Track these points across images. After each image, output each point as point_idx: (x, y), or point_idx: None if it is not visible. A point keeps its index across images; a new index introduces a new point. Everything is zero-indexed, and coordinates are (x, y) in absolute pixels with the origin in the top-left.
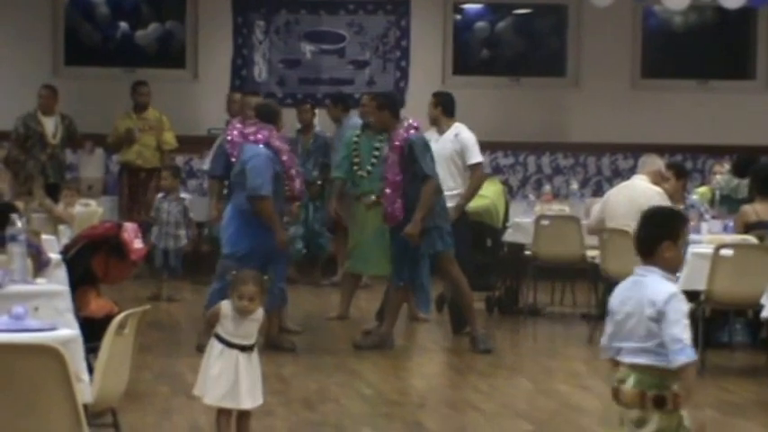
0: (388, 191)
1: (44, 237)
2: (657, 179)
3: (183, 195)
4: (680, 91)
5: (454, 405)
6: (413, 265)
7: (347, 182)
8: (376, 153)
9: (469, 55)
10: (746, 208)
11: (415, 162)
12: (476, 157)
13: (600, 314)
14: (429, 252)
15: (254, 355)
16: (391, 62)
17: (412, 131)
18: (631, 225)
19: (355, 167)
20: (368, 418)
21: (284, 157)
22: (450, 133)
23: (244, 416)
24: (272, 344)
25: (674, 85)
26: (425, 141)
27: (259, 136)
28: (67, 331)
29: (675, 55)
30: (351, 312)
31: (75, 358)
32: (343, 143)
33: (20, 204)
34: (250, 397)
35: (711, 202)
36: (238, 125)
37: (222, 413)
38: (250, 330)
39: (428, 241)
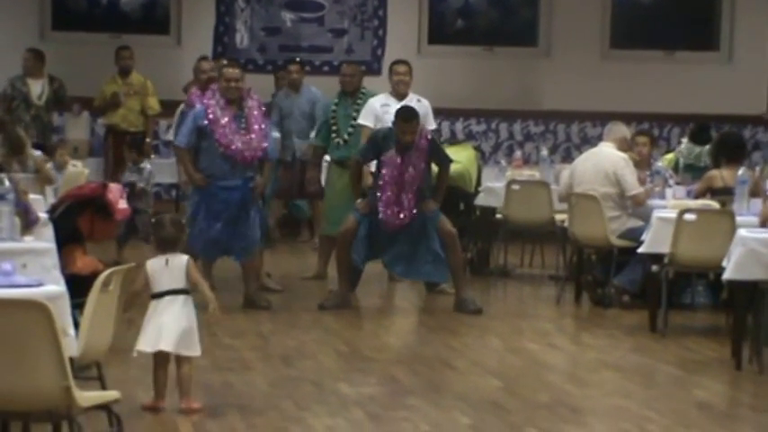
0: (409, 195)
1: (31, 196)
2: (623, 146)
3: (143, 165)
4: (647, 61)
5: (427, 362)
6: (429, 242)
7: (325, 148)
8: (353, 122)
9: (444, 25)
10: (714, 173)
11: (437, 153)
12: (433, 122)
13: (567, 276)
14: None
15: (188, 301)
16: (369, 31)
17: (426, 129)
18: (598, 190)
19: (333, 135)
20: (344, 373)
21: (209, 114)
22: (411, 98)
23: (181, 364)
24: (249, 302)
25: (642, 55)
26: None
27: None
28: (54, 287)
29: (643, 27)
30: (328, 273)
31: (62, 313)
32: (323, 110)
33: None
34: (175, 341)
35: (676, 169)
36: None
37: (158, 365)
38: (174, 274)
39: (437, 212)
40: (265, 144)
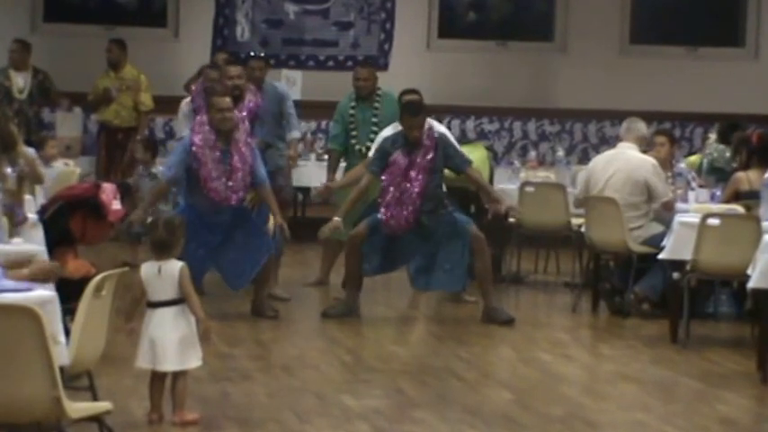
0: (418, 201)
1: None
2: (642, 145)
3: (155, 170)
4: (668, 58)
5: (436, 373)
6: (449, 249)
7: (342, 153)
8: (374, 128)
9: (455, 18)
10: (740, 175)
11: (451, 155)
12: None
13: (584, 283)
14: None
15: (182, 311)
16: (376, 24)
17: (433, 129)
18: (627, 199)
19: (353, 141)
20: (348, 384)
21: (198, 154)
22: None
23: (177, 377)
24: (256, 311)
25: (663, 51)
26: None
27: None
28: (44, 292)
29: (664, 21)
30: (331, 279)
31: (52, 320)
32: (339, 113)
33: None
34: (174, 358)
35: (699, 171)
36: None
37: (155, 380)
38: (167, 284)
39: (468, 219)
40: (248, 180)
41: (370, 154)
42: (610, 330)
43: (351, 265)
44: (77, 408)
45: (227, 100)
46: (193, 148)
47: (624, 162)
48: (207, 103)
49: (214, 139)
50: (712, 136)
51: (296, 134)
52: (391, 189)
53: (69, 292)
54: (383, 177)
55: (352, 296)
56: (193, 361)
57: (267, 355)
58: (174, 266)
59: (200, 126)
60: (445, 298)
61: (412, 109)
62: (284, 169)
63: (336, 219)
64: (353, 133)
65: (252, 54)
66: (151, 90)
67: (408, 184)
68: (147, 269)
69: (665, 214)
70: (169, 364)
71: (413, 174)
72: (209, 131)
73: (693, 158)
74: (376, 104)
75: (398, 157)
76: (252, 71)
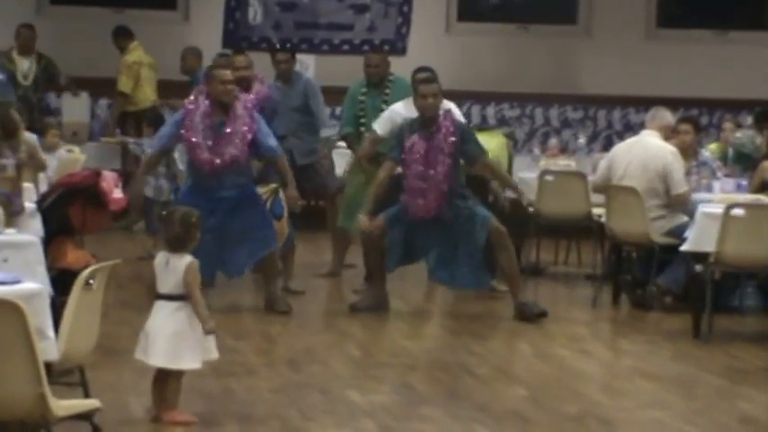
0: (444, 185)
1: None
2: (667, 134)
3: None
4: (697, 42)
5: (447, 368)
6: (470, 245)
7: (359, 135)
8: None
9: (476, 0)
10: (766, 164)
11: (468, 141)
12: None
13: (604, 275)
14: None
15: (182, 308)
16: (393, 7)
17: (455, 115)
18: (645, 186)
19: (362, 128)
20: (355, 380)
21: (186, 122)
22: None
23: (170, 376)
24: (269, 306)
25: (691, 35)
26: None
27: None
28: (33, 285)
29: (693, 4)
30: (342, 270)
31: (40, 314)
32: (349, 97)
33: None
34: (163, 353)
35: (724, 160)
36: None
37: (156, 377)
38: (171, 278)
39: (484, 212)
40: (240, 149)
41: (375, 126)
42: (630, 324)
43: (372, 260)
44: (63, 405)
45: (229, 73)
46: (185, 119)
47: (643, 149)
48: (208, 76)
49: (211, 109)
50: (749, 119)
51: (330, 132)
52: (413, 175)
53: (69, 283)
54: (406, 158)
55: (380, 288)
56: (188, 362)
57: (273, 349)
58: (182, 261)
59: (198, 95)
60: (447, 290)
61: (424, 76)
62: (318, 163)
63: (363, 217)
64: (362, 120)
65: (278, 47)
66: (157, 73)
67: (432, 170)
68: (158, 260)
69: (678, 208)
70: (156, 359)
71: (435, 157)
72: (206, 102)
73: (713, 146)
74: (386, 91)
75: (417, 140)
76: (278, 64)
